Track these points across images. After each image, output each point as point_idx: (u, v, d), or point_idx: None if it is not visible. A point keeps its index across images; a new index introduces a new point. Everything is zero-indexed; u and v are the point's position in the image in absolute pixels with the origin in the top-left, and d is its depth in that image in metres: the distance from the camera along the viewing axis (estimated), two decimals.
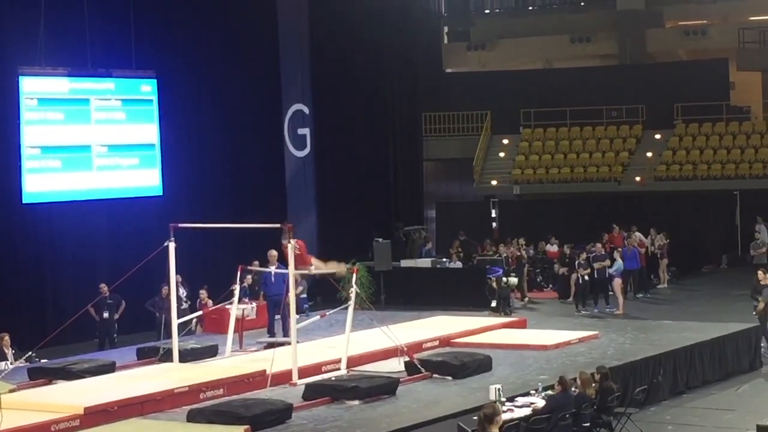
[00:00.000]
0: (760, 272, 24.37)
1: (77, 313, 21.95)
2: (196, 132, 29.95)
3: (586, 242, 30.50)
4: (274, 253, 23.17)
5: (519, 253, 31.69)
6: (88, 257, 27.17)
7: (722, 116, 39.64)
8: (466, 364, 19.61)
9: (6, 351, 21.98)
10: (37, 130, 26.03)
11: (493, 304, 28.66)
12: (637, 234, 32.62)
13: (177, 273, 21.34)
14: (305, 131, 34.26)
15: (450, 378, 19.31)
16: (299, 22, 34.01)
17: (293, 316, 19.86)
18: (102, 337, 24.92)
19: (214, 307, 23.39)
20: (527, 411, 16.42)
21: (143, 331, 25.08)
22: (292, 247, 19.50)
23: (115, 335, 25.00)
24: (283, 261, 21.40)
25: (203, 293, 25.62)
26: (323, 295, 27.94)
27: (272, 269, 23.45)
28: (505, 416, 15.45)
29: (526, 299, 30.84)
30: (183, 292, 25.36)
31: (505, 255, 31.09)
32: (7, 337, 22.14)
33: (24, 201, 25.91)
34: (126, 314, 25.60)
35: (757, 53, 41.08)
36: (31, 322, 25.08)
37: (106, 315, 24.68)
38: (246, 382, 18.92)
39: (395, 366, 20.03)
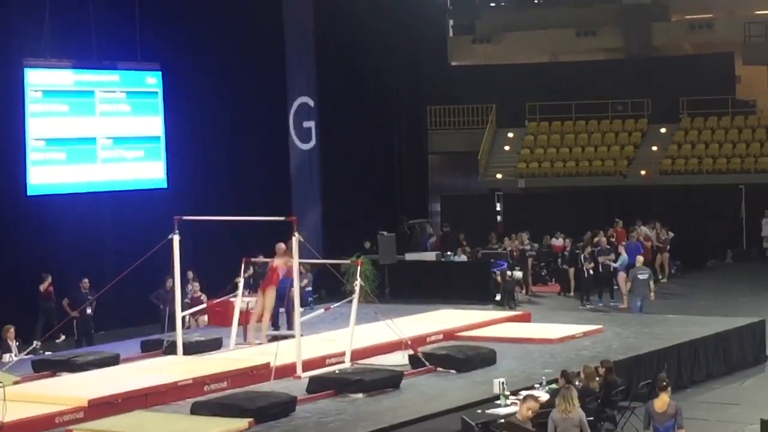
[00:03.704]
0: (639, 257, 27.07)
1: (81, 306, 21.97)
2: (201, 124, 29.93)
3: (587, 235, 30.63)
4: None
5: (522, 247, 31.68)
6: (93, 250, 27.15)
7: (728, 110, 39.58)
8: (470, 358, 19.61)
9: (10, 343, 22.00)
10: (41, 122, 26.04)
11: (498, 297, 28.66)
12: (642, 228, 32.60)
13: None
14: (310, 124, 34.23)
15: (454, 371, 19.31)
16: (304, 14, 33.95)
17: (297, 309, 19.87)
18: (80, 334, 24.59)
19: (217, 300, 23.39)
20: None
21: (147, 324, 25.08)
22: (296, 239, 19.51)
23: (92, 332, 24.80)
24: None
25: (196, 285, 25.59)
26: (327, 288, 27.94)
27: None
28: (508, 410, 15.48)
29: (528, 293, 30.86)
30: (190, 287, 25.39)
31: (509, 249, 31.10)
32: (12, 329, 22.16)
33: (29, 193, 25.92)
34: (129, 306, 25.63)
35: (763, 47, 41.01)
36: (36, 315, 25.05)
37: (89, 311, 24.45)
38: (250, 375, 18.93)
39: (399, 359, 20.03)
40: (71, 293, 24.69)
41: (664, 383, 14.57)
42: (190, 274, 25.06)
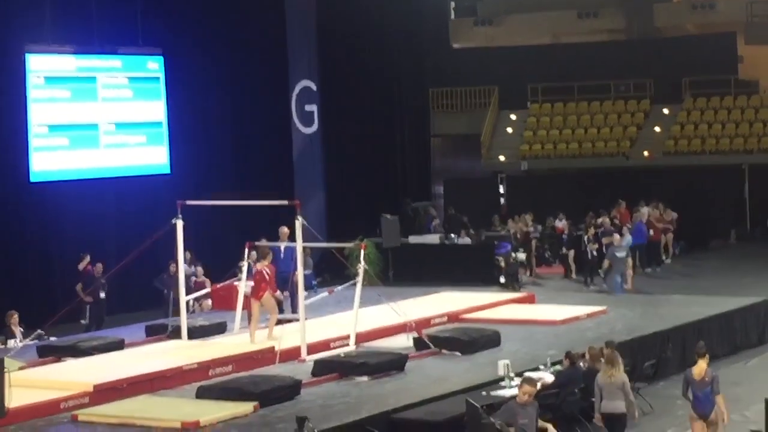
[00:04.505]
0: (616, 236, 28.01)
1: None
2: (204, 109, 29.92)
3: (589, 216, 30.67)
4: (285, 230, 23.16)
5: (526, 229, 31.65)
6: (96, 235, 27.13)
7: (730, 90, 39.51)
8: (474, 340, 19.64)
9: (14, 329, 22.01)
10: (44, 108, 26.04)
11: (502, 279, 28.63)
12: (645, 209, 32.57)
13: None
14: (313, 108, 34.18)
15: (458, 353, 19.34)
16: None
17: (301, 292, 19.88)
18: (92, 318, 24.64)
19: (221, 284, 23.41)
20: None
21: (151, 309, 25.10)
22: (299, 223, 19.51)
23: (104, 316, 24.86)
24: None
25: (200, 270, 25.57)
26: (331, 271, 27.95)
27: (281, 245, 23.43)
28: (513, 392, 15.48)
29: (532, 274, 30.85)
30: (191, 270, 25.36)
31: (513, 231, 31.08)
32: (15, 315, 22.17)
33: (31, 179, 25.94)
34: (133, 291, 25.63)
35: (766, 27, 40.84)
36: (40, 300, 25.07)
37: (102, 295, 24.52)
38: (255, 359, 18.97)
39: (404, 342, 20.07)
40: (82, 278, 24.69)
41: (703, 350, 14.84)
42: (188, 255, 24.88)
